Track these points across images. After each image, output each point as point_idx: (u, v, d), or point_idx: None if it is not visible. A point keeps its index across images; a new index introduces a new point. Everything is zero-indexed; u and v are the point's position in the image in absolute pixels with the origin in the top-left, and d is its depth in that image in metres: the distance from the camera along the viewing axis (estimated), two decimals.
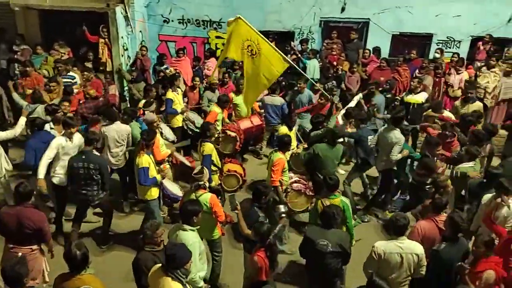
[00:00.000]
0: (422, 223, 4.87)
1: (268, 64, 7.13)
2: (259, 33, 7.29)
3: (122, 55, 10.07)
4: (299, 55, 10.24)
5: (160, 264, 3.79)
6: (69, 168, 5.80)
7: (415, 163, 7.06)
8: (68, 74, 8.83)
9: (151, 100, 7.60)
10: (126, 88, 10.05)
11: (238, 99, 8.37)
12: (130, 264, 5.38)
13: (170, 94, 8.12)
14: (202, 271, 4.49)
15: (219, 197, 6.20)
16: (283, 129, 7.35)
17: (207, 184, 5.24)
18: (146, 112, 7.12)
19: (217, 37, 11.64)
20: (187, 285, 3.71)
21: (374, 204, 7.22)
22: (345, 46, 11.14)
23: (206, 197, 5.05)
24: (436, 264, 4.35)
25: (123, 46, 10.12)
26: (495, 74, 9.61)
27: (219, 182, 6.52)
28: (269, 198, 5.36)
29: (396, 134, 6.57)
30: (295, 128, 7.79)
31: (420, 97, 8.50)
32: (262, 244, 4.27)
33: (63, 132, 6.18)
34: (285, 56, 7.34)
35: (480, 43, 11.01)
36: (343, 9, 11.26)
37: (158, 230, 4.18)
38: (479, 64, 10.48)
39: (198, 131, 8.05)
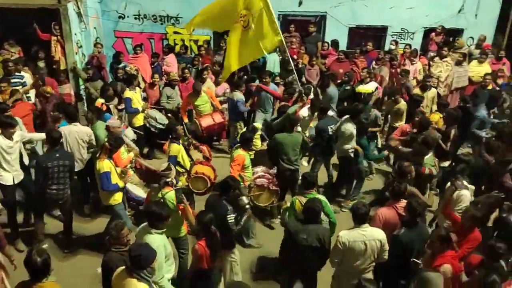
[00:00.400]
0: (382, 210, 4.99)
1: (257, 41, 7.50)
2: (269, 5, 7.45)
3: (76, 53, 9.75)
4: None
5: (123, 266, 3.70)
6: (42, 168, 5.65)
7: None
8: (17, 74, 8.44)
9: (111, 94, 7.42)
10: (82, 87, 9.75)
11: (197, 101, 8.33)
12: (95, 268, 5.32)
13: (128, 93, 7.94)
14: (169, 273, 4.43)
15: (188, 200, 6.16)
16: (257, 125, 7.56)
17: (174, 182, 5.18)
18: (111, 107, 6.96)
19: (175, 32, 11.50)
20: (153, 284, 3.66)
21: (338, 195, 7.39)
22: (303, 40, 11.28)
23: (172, 195, 5.00)
24: (396, 248, 4.47)
25: (77, 43, 9.80)
26: (447, 63, 10.01)
27: (186, 183, 6.36)
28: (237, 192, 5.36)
29: (348, 126, 6.81)
30: (259, 125, 7.84)
31: (370, 87, 8.84)
32: (204, 234, 4.38)
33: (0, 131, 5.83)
34: (281, 38, 7.57)
35: (433, 34, 11.44)
36: (300, 3, 11.39)
37: (123, 230, 4.10)
38: (432, 54, 10.90)
39: (162, 127, 7.99)
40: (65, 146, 6.31)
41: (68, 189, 5.94)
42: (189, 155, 6.64)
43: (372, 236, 4.38)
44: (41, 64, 9.35)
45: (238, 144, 6.31)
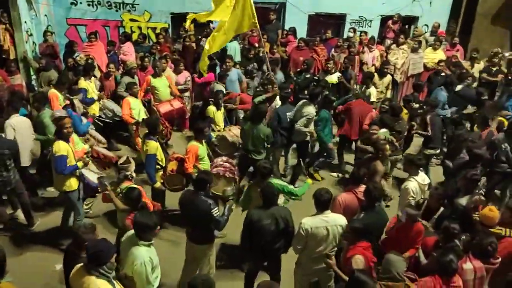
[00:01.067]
0: (343, 195, 5.12)
1: (239, 19, 7.84)
2: None
3: (27, 42, 9.30)
4: None
5: (81, 264, 3.59)
6: None
7: None
8: None
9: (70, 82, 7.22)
10: (33, 77, 9.35)
11: (157, 82, 8.16)
12: (53, 264, 5.18)
13: (83, 83, 7.68)
14: (155, 284, 4.11)
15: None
16: (211, 109, 7.36)
17: (134, 175, 5.08)
18: (75, 102, 6.78)
19: (132, 20, 11.19)
20: (113, 280, 3.56)
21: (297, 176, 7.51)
22: (264, 28, 11.26)
23: None
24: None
25: (27, 32, 9.35)
26: (404, 51, 10.29)
27: (161, 181, 6.16)
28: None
29: (308, 109, 7.00)
30: (223, 109, 7.80)
31: (334, 78, 9.01)
32: (133, 208, 4.47)
33: None
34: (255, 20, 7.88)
35: (390, 22, 11.72)
36: None
37: (95, 231, 3.93)
38: (388, 42, 11.17)
39: (118, 119, 7.79)
40: (16, 138, 6.07)
41: (14, 175, 5.83)
42: (164, 149, 6.50)
43: (334, 221, 4.46)
44: None
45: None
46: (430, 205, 4.49)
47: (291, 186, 5.37)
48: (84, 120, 6.77)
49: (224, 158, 6.55)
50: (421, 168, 5.72)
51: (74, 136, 5.88)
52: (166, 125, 7.31)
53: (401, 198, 5.58)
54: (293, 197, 5.28)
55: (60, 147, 5.30)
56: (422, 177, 5.59)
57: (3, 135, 5.98)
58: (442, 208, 5.18)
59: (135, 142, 7.40)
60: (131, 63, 8.77)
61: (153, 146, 5.83)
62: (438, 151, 7.58)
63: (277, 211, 4.57)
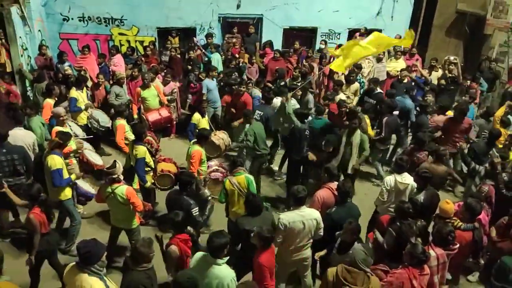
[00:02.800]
0: (320, 192, 5.11)
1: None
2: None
3: (22, 55, 9.13)
4: (203, 50, 10.19)
5: (73, 263, 3.54)
6: None
7: None
8: None
9: (57, 94, 7.11)
10: (28, 88, 9.18)
11: (146, 93, 8.12)
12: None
13: (74, 93, 7.60)
14: None
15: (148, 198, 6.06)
16: (196, 116, 7.36)
17: (121, 177, 5.05)
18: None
19: (120, 33, 11.09)
20: (104, 277, 3.51)
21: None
22: (243, 40, 11.32)
23: (122, 189, 4.90)
24: (329, 224, 4.65)
25: (22, 46, 9.18)
26: (369, 61, 10.46)
27: (153, 181, 6.22)
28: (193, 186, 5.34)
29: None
30: (207, 117, 7.78)
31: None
32: (35, 203, 4.58)
33: None
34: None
35: (357, 34, 11.91)
36: (238, 6, 11.40)
37: (152, 246, 3.70)
38: None
39: (103, 130, 7.68)
40: None
41: (23, 180, 5.69)
42: (152, 154, 6.44)
43: (309, 215, 4.53)
44: None
45: (195, 140, 6.23)
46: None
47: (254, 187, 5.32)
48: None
49: (217, 162, 6.58)
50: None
51: None
52: (154, 140, 7.12)
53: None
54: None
55: (55, 161, 5.27)
56: (403, 177, 5.52)
57: (10, 142, 5.80)
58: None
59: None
60: (120, 73, 8.68)
61: (142, 150, 5.87)
62: (388, 146, 7.98)
63: (264, 219, 4.52)
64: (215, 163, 6.61)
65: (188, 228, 4.30)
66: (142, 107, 8.31)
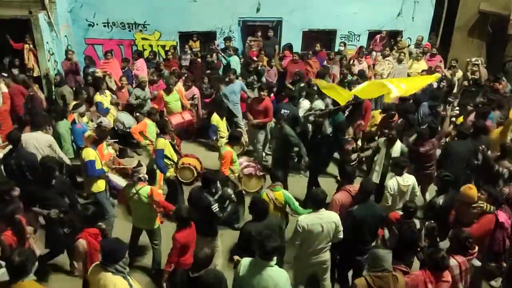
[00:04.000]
0: (338, 195, 5.06)
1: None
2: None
3: (49, 60, 9.39)
4: (222, 53, 10.23)
5: (97, 262, 3.58)
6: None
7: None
8: None
9: (80, 102, 7.23)
10: (54, 91, 9.43)
11: (169, 98, 8.21)
12: None
13: (98, 98, 7.80)
14: None
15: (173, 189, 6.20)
16: (215, 117, 7.44)
17: (146, 177, 5.13)
18: (75, 116, 6.82)
19: (143, 38, 11.25)
20: (127, 276, 3.53)
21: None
22: (263, 43, 11.32)
23: (146, 189, 4.98)
24: (350, 222, 4.58)
25: (49, 51, 9.43)
26: (389, 62, 10.31)
27: (175, 174, 6.38)
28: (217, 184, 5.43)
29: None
30: (224, 118, 7.80)
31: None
32: (8, 224, 4.33)
33: None
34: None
35: (378, 36, 11.79)
36: (258, 10, 11.40)
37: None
38: (375, 54, 11.21)
39: (128, 131, 7.80)
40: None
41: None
42: (176, 151, 6.58)
43: (328, 218, 4.46)
44: (16, 71, 8.93)
45: (227, 141, 6.30)
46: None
47: (297, 204, 5.22)
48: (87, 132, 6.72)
49: (247, 158, 6.64)
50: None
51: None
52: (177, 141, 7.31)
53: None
54: (295, 214, 5.16)
55: (89, 153, 5.48)
56: (404, 178, 5.48)
57: (24, 146, 5.84)
58: None
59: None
60: (142, 76, 8.83)
61: (162, 142, 6.07)
62: None
63: (271, 221, 4.52)
64: (244, 159, 6.70)
65: (99, 223, 4.41)
66: (165, 110, 8.39)
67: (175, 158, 6.33)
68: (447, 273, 3.90)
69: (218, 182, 5.49)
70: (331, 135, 7.23)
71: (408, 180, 5.47)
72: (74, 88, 8.73)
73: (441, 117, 7.98)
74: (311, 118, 7.60)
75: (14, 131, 5.92)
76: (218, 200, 4.99)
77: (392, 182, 5.45)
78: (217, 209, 4.85)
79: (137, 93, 8.43)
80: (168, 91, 8.26)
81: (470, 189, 4.88)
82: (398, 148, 6.13)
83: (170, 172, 6.22)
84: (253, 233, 4.26)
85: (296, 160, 7.71)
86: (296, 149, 6.91)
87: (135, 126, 7.32)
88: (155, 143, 6.17)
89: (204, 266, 3.63)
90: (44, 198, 4.93)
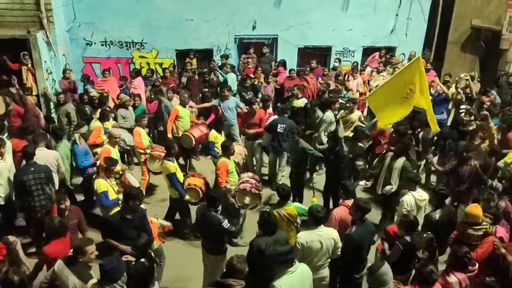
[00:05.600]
0: (337, 210, 5.04)
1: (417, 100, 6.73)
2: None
3: (47, 79, 9.42)
4: (219, 71, 10.31)
5: (95, 280, 3.57)
6: (19, 182, 5.53)
7: None
8: None
9: (83, 122, 7.25)
10: (53, 110, 9.44)
11: (183, 112, 8.22)
12: None
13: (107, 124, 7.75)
14: None
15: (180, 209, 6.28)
16: (213, 133, 7.50)
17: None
18: (76, 136, 6.84)
19: (141, 56, 11.33)
20: None
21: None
22: (259, 60, 11.44)
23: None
24: (350, 246, 4.48)
25: (47, 70, 9.48)
26: (384, 77, 10.42)
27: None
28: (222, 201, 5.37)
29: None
30: (223, 133, 7.88)
31: (300, 102, 8.93)
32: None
33: None
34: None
35: (377, 54, 11.95)
36: (254, 27, 11.54)
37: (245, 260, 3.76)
38: (369, 69, 11.35)
39: (129, 148, 7.85)
40: None
41: (48, 198, 5.63)
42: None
43: (327, 235, 4.44)
44: (14, 90, 8.94)
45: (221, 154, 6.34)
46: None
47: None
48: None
49: (250, 174, 6.57)
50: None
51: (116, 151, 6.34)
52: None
53: (398, 209, 5.55)
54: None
55: (101, 185, 5.51)
56: (419, 193, 5.45)
57: (36, 161, 5.83)
58: None
59: (143, 168, 7.57)
60: (124, 97, 8.83)
61: (170, 165, 6.06)
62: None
63: (279, 236, 4.40)
64: (247, 174, 6.59)
65: (6, 237, 4.38)
66: (175, 126, 8.29)
67: (181, 178, 6.31)
68: (438, 286, 3.84)
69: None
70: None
71: (423, 195, 5.42)
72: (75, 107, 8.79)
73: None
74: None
75: (30, 145, 5.93)
76: (225, 215, 4.95)
77: (408, 198, 5.37)
78: (228, 224, 4.80)
79: (122, 113, 8.45)
80: (183, 104, 8.29)
81: (476, 208, 4.74)
82: (399, 164, 6.17)
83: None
84: (262, 247, 4.18)
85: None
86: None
87: (135, 139, 7.47)
88: (164, 166, 6.09)
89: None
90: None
